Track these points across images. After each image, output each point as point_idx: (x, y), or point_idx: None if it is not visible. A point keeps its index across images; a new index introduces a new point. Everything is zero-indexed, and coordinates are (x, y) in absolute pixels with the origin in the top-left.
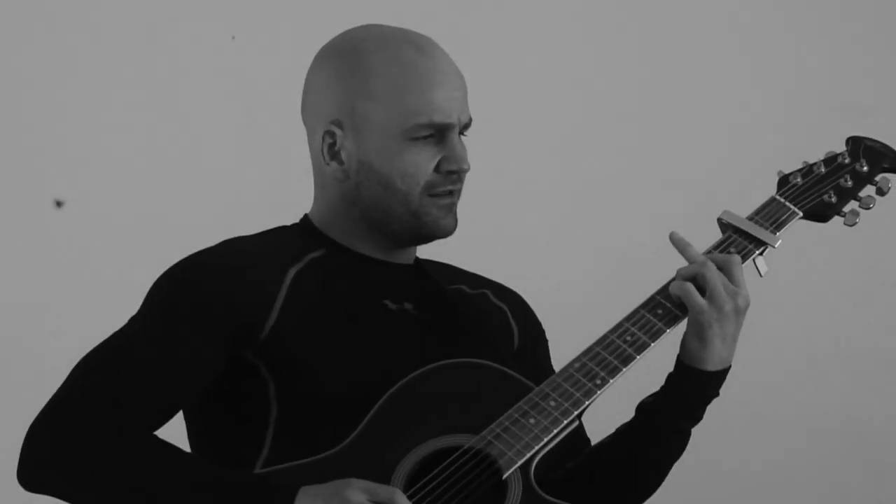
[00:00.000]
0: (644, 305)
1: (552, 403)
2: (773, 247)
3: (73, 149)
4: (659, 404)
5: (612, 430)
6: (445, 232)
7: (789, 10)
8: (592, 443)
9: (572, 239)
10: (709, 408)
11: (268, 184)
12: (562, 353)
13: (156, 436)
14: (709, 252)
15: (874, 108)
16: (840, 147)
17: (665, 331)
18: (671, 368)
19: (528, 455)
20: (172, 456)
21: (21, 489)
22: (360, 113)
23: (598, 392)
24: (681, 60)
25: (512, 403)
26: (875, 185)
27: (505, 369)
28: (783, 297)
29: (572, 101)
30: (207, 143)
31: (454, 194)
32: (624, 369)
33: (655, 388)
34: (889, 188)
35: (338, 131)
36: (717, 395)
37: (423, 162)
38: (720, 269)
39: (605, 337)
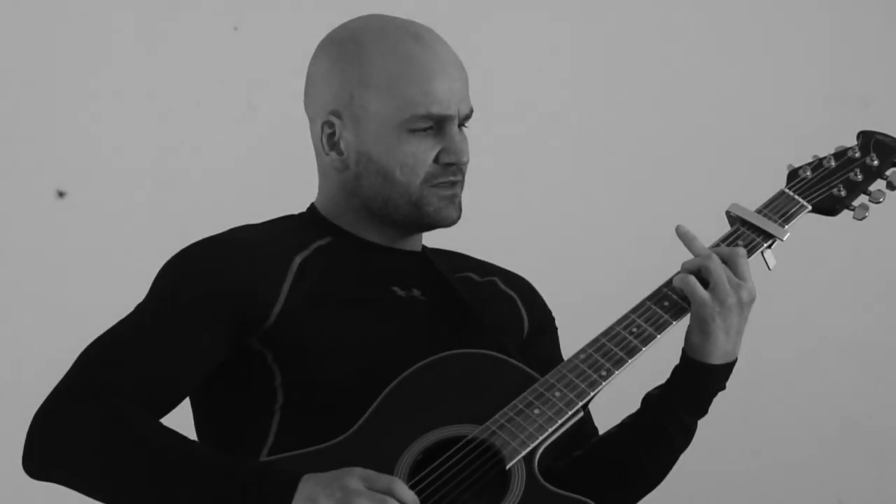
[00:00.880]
0: (651, 297)
1: (557, 394)
2: (782, 240)
3: (74, 139)
4: (664, 397)
5: (618, 420)
6: (448, 222)
7: (790, 1)
8: (600, 432)
9: (579, 229)
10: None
11: (271, 174)
12: (569, 343)
13: (160, 423)
14: (715, 245)
15: (874, 98)
16: (849, 141)
17: (671, 323)
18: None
19: (532, 446)
20: (176, 443)
21: (27, 477)
22: (359, 103)
23: (604, 383)
24: (685, 55)
25: (517, 394)
26: (885, 179)
27: (510, 360)
28: (785, 292)
29: (581, 94)
30: (210, 133)
31: (456, 185)
32: (630, 361)
33: (663, 379)
34: None
35: (336, 121)
36: (723, 388)
37: (421, 153)
38: (725, 262)
39: (611, 328)
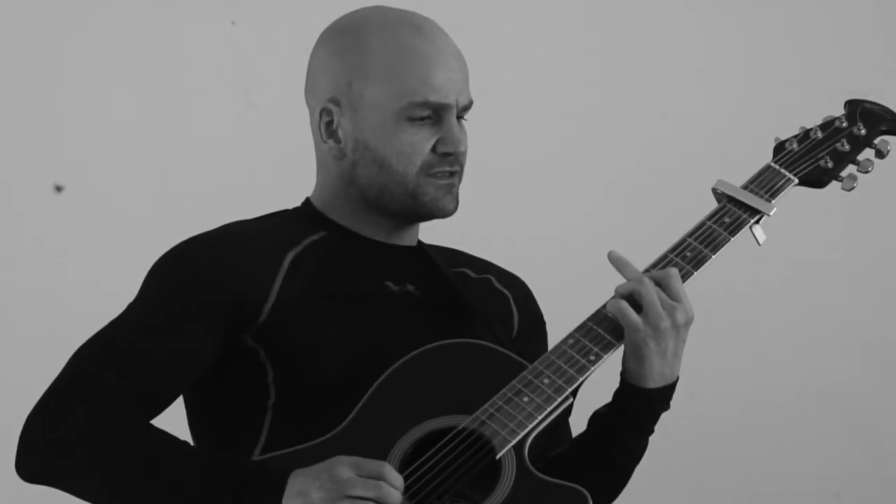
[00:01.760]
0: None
1: (546, 381)
2: (769, 215)
3: (72, 134)
4: (606, 419)
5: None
6: (444, 212)
7: None
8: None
9: (575, 225)
10: (707, 393)
11: (267, 169)
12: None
13: (151, 424)
14: (698, 228)
15: (873, 93)
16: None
17: None
18: None
19: (522, 434)
20: (167, 445)
21: (21, 481)
22: (357, 91)
23: (593, 368)
24: (684, 51)
25: (506, 382)
26: (874, 147)
27: (499, 348)
28: (783, 287)
29: (581, 93)
30: (207, 128)
31: (454, 176)
32: (618, 344)
33: None
34: (889, 150)
35: (335, 109)
36: (666, 408)
37: (419, 142)
38: (658, 284)
39: (598, 312)
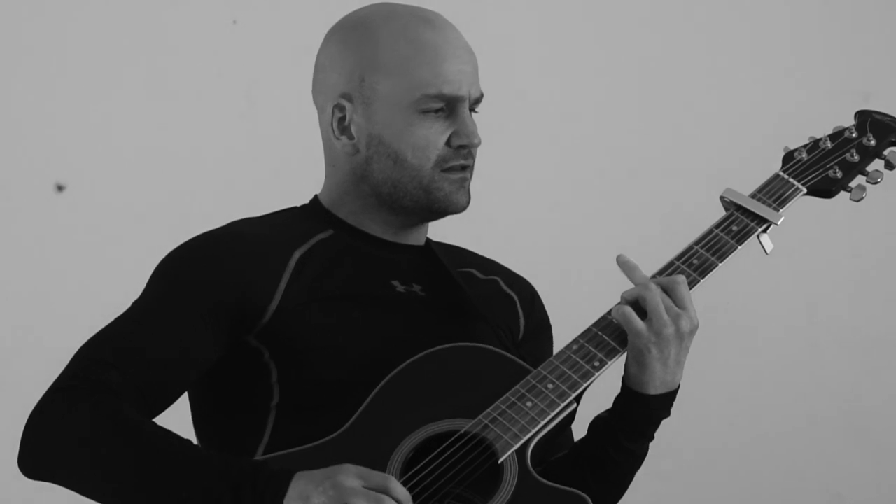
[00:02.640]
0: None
1: (549, 386)
2: (776, 224)
3: (73, 133)
4: (607, 425)
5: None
6: (457, 207)
7: None
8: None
9: (582, 229)
10: (708, 394)
11: (269, 168)
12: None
13: (153, 422)
14: (705, 235)
15: (875, 92)
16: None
17: None
18: None
19: (525, 439)
20: (169, 442)
21: (24, 478)
22: (370, 86)
23: (596, 374)
24: (687, 49)
25: (510, 386)
26: (884, 158)
27: (503, 352)
28: (786, 285)
29: (582, 92)
30: (209, 127)
31: (466, 170)
32: (623, 351)
33: None
34: None
35: (347, 105)
36: (666, 415)
37: (433, 136)
38: (665, 291)
39: (603, 318)
